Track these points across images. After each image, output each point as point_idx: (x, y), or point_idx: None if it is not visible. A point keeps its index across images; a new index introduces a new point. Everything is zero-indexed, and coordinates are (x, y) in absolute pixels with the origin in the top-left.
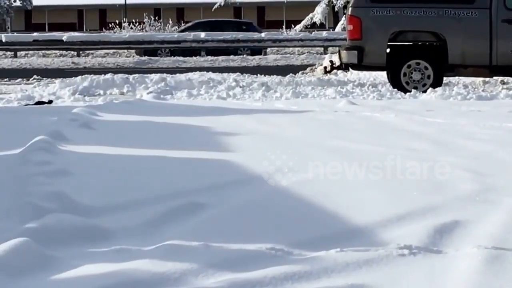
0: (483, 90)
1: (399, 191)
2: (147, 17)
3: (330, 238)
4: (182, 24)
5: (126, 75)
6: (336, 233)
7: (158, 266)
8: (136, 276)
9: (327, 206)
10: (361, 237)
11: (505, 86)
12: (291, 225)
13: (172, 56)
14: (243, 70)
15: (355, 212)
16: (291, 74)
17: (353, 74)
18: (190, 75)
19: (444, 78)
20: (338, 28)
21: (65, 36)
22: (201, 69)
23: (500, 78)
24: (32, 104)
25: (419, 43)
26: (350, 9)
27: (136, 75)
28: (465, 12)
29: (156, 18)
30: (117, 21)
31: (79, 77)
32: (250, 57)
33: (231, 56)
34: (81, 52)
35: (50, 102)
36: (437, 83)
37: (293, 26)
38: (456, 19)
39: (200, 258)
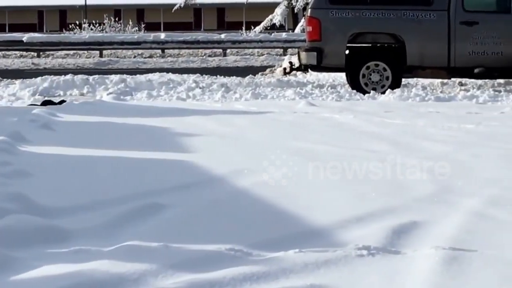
0: (441, 92)
1: (358, 192)
2: (107, 18)
3: (289, 239)
4: (142, 25)
5: (86, 76)
6: (295, 233)
7: (117, 267)
8: (95, 276)
9: (286, 207)
10: (320, 237)
11: (463, 88)
12: (250, 226)
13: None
14: (203, 71)
15: (315, 213)
16: (250, 75)
17: (312, 76)
18: (150, 76)
19: (403, 80)
20: (298, 29)
21: (25, 36)
22: (161, 70)
23: (458, 79)
24: (39, 105)
25: (378, 45)
26: (309, 10)
27: (96, 76)
28: (424, 14)
29: (116, 19)
30: (77, 22)
31: (39, 78)
32: (210, 58)
33: (191, 58)
34: (41, 53)
35: (61, 102)
36: (395, 85)
37: (252, 27)
38: (415, 21)
39: (160, 258)
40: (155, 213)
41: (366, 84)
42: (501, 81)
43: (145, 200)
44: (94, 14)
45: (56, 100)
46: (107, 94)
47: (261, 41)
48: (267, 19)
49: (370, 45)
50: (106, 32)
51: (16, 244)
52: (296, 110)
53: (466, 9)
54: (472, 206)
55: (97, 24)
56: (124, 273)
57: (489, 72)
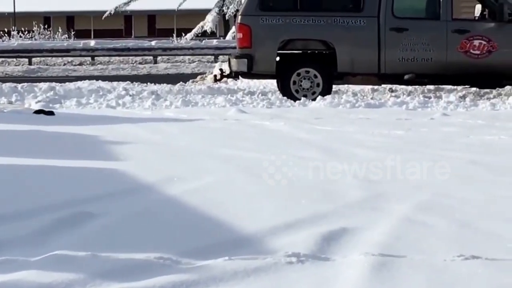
0: (371, 98)
1: (288, 199)
2: (36, 25)
3: (219, 247)
4: (72, 33)
5: (15, 84)
6: (225, 241)
7: (44, 277)
8: (22, 287)
9: (216, 214)
10: (249, 245)
11: (393, 94)
12: (179, 234)
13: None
14: (133, 78)
15: (244, 220)
16: (181, 82)
17: (243, 83)
18: (79, 83)
19: (334, 86)
20: (229, 36)
21: None
22: (91, 77)
23: (389, 86)
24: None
25: (309, 52)
26: (239, 17)
27: (25, 84)
28: (354, 20)
29: (46, 26)
30: (5, 30)
31: None
32: (140, 66)
33: (121, 65)
34: None
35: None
36: (326, 91)
37: (184, 34)
38: (345, 28)
39: (88, 268)
40: (83, 222)
41: (297, 91)
42: (431, 87)
43: (73, 209)
44: (23, 21)
45: None
46: (36, 102)
47: (192, 48)
48: (198, 26)
49: (300, 52)
50: (35, 39)
51: None
52: (227, 117)
53: (396, 15)
54: (401, 212)
55: (26, 32)
56: (51, 283)
57: (419, 78)
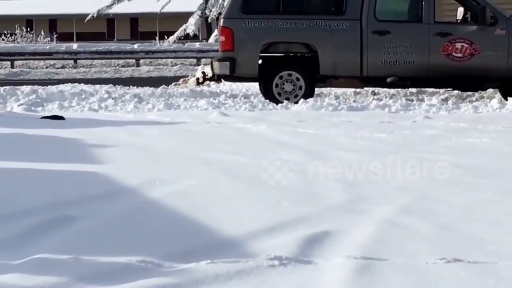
0: (354, 101)
1: (271, 202)
2: (18, 28)
3: (201, 250)
4: (55, 36)
5: None
6: (207, 244)
7: (26, 280)
8: None
9: (199, 218)
10: (232, 248)
11: (375, 97)
12: (162, 237)
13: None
14: (116, 81)
15: (227, 223)
16: (163, 85)
17: (225, 85)
18: (61, 87)
19: (316, 89)
20: (212, 39)
21: None
22: (73, 80)
23: (371, 89)
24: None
25: (291, 54)
26: (222, 20)
27: (7, 87)
28: (336, 23)
29: (28, 29)
30: None
31: None
32: (123, 69)
33: (104, 68)
34: None
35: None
36: (308, 94)
37: (166, 37)
38: (327, 31)
39: (70, 271)
40: (65, 225)
41: (279, 94)
42: (413, 90)
43: (55, 212)
44: (5, 24)
45: None
46: (18, 106)
47: (174, 51)
48: (180, 29)
49: (283, 54)
50: (17, 42)
51: None
52: (209, 120)
53: (378, 18)
54: (384, 215)
55: (8, 35)
56: (33, 287)
57: (402, 81)
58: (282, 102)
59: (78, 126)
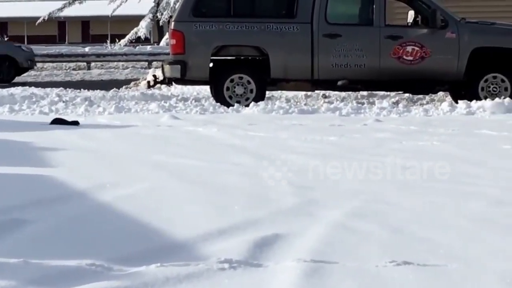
0: (305, 104)
1: (221, 205)
2: None
3: (151, 253)
4: (6, 39)
5: None
6: (157, 248)
7: None
8: None
9: (148, 221)
10: (182, 251)
11: (326, 100)
12: (111, 240)
13: None
14: (66, 84)
15: (177, 226)
16: (114, 88)
17: (176, 89)
18: (12, 90)
19: (267, 92)
20: (163, 42)
21: None
22: (24, 84)
23: (322, 92)
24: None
25: (242, 58)
26: (172, 23)
27: None
28: (287, 26)
29: None
30: None
31: None
32: (74, 72)
33: (55, 71)
34: None
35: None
36: (259, 97)
37: (117, 40)
38: (279, 34)
39: (19, 275)
40: (14, 229)
41: (230, 97)
42: (364, 93)
43: (3, 216)
44: None
45: None
46: None
47: (125, 54)
48: (132, 32)
49: (234, 58)
50: None
51: None
52: (160, 124)
53: (329, 21)
54: (334, 218)
55: None
56: None
57: (352, 84)
58: (233, 105)
59: (26, 129)
